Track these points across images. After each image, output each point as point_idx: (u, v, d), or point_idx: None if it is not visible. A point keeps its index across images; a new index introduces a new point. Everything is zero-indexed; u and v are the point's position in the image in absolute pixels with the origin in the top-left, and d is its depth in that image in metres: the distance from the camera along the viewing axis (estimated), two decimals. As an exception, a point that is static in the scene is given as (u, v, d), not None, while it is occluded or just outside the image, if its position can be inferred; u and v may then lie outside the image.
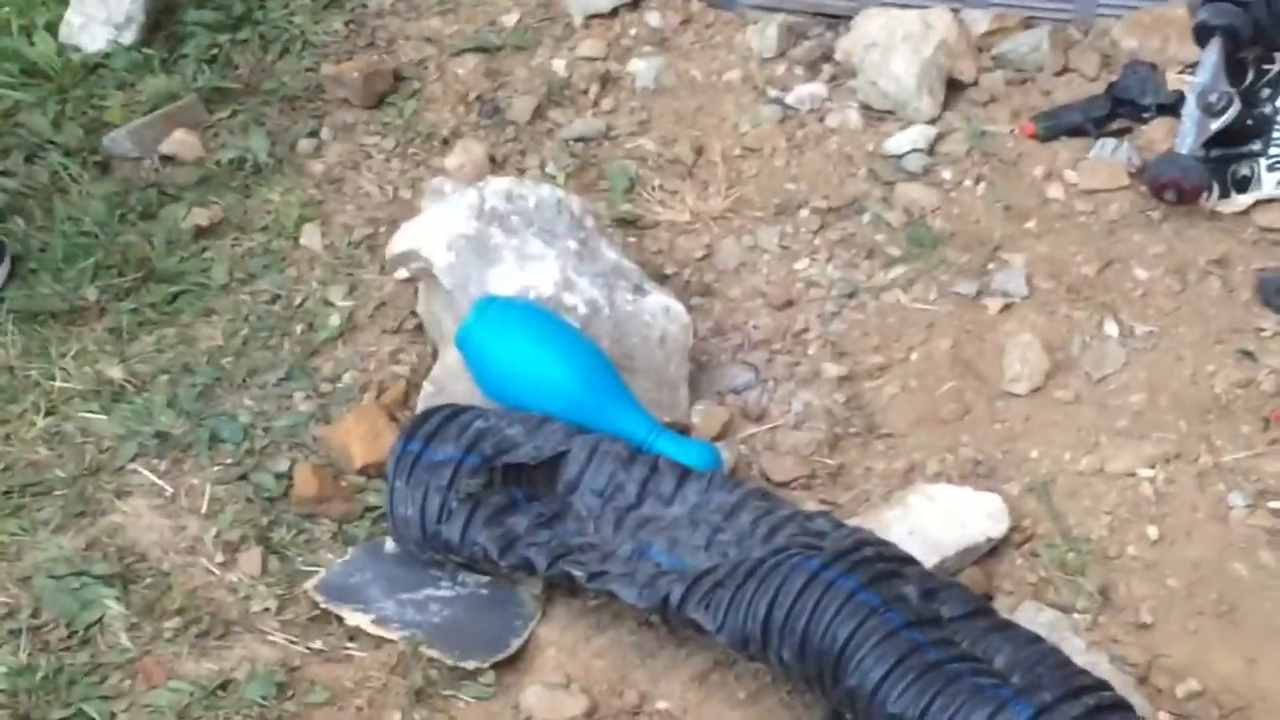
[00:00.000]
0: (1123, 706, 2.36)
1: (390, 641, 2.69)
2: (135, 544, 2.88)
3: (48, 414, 3.08)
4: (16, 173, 3.51)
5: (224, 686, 2.67)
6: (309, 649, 2.72)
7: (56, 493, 2.96)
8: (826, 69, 3.62)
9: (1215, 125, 3.18)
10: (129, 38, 3.76)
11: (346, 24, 3.87)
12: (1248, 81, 3.24)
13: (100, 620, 2.75)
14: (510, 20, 3.84)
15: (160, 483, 2.96)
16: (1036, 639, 2.45)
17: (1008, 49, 3.55)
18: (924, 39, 3.49)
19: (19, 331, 3.21)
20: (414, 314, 3.20)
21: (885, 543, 2.58)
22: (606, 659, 2.67)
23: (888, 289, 3.18)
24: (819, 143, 3.50)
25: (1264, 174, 3.18)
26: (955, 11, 3.57)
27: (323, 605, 2.75)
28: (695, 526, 2.70)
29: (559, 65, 3.71)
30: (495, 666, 2.65)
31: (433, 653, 2.66)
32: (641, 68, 3.67)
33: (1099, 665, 2.51)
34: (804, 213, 3.34)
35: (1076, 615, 2.65)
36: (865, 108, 3.52)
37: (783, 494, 2.83)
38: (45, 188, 3.50)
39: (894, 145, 3.43)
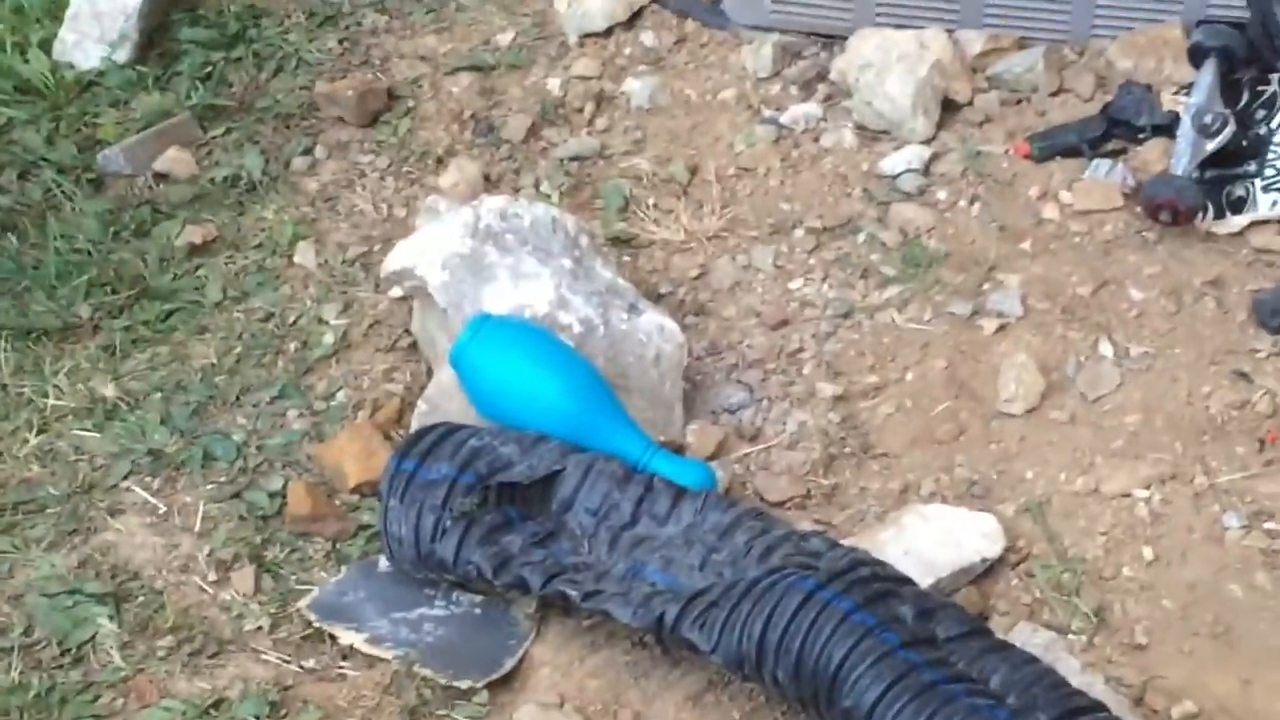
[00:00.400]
0: (1118, 727, 2.37)
1: (384, 660, 2.70)
2: (128, 562, 2.88)
3: (40, 431, 3.08)
4: (10, 190, 3.51)
5: (217, 705, 2.67)
6: (302, 668, 2.72)
7: (49, 510, 2.96)
8: (821, 89, 3.62)
9: (1210, 146, 3.18)
10: (123, 55, 3.75)
11: (341, 42, 3.87)
12: (1243, 103, 3.25)
13: (93, 638, 2.76)
14: (505, 39, 3.84)
15: (153, 501, 2.96)
16: (1032, 659, 2.46)
17: (1002, 69, 3.55)
18: (919, 59, 3.49)
19: (12, 349, 3.20)
20: (408, 332, 3.20)
21: (881, 563, 2.58)
22: (601, 679, 2.67)
23: (882, 309, 3.18)
24: (814, 162, 3.50)
25: (1259, 195, 3.18)
26: (950, 32, 3.57)
27: (316, 624, 2.75)
28: (690, 546, 2.69)
29: (553, 84, 3.71)
30: (489, 686, 2.65)
31: (426, 672, 2.66)
32: (636, 87, 3.67)
33: (1094, 686, 2.52)
34: (799, 232, 3.34)
35: (1072, 636, 2.65)
36: (860, 128, 3.52)
37: (777, 514, 2.83)
38: (38, 205, 3.50)
39: (889, 165, 3.43)
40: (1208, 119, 3.18)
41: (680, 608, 2.56)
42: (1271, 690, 2.57)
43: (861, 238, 3.31)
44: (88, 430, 3.07)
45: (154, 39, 3.81)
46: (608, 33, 3.81)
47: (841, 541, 2.68)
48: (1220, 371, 3.00)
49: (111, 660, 2.73)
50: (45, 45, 3.80)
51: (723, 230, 3.38)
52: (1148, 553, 2.76)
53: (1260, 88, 3.27)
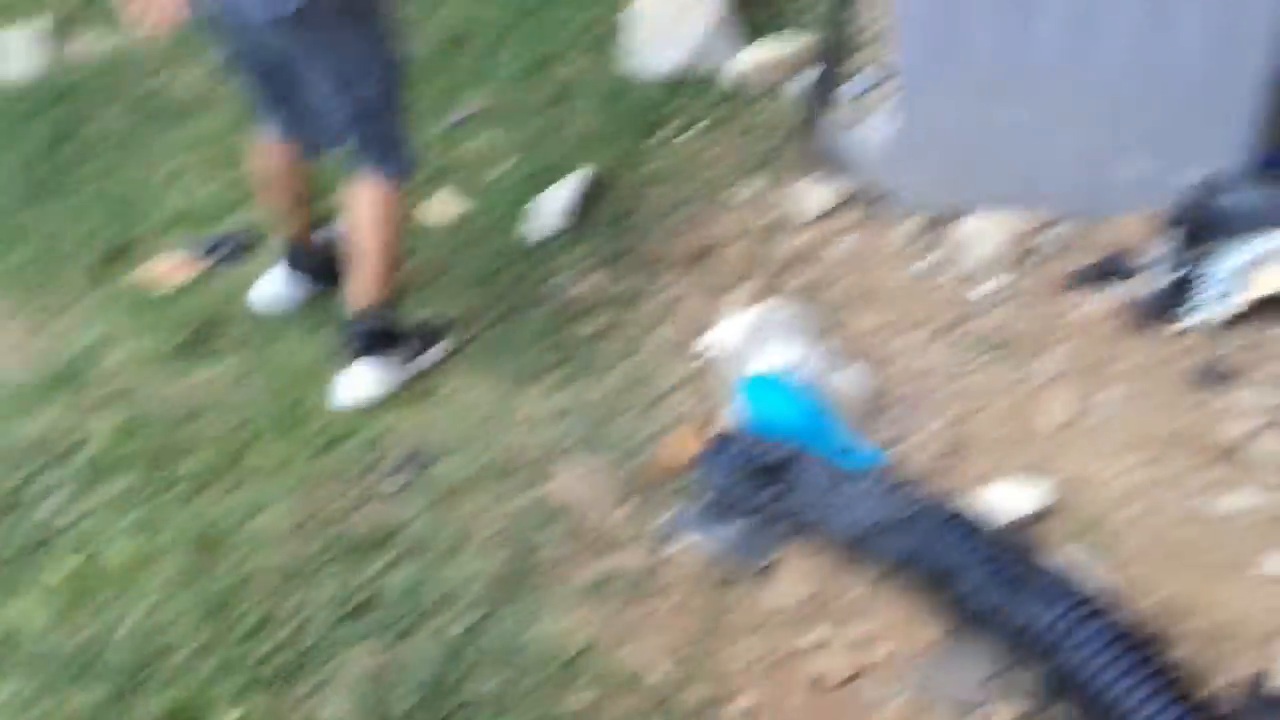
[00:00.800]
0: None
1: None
2: (563, 502, 2.99)
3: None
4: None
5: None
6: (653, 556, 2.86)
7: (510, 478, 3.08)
8: (942, 248, 3.61)
9: (1169, 279, 3.28)
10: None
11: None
12: (1191, 255, 3.30)
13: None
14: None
15: (588, 470, 3.08)
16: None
17: (1046, 238, 3.55)
18: (997, 232, 3.51)
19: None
20: (715, 382, 3.24)
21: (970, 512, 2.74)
22: (823, 576, 2.77)
23: (974, 373, 3.23)
24: (937, 288, 3.52)
25: (1194, 309, 3.26)
26: (1014, 213, 3.57)
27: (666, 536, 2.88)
28: (870, 497, 2.80)
29: (793, 243, 3.70)
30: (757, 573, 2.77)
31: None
32: (840, 247, 3.65)
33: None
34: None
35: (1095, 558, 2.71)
36: (965, 271, 3.53)
37: (917, 482, 2.88)
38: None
39: (980, 290, 3.47)
40: (1169, 263, 3.30)
41: (866, 529, 2.74)
42: (1227, 585, 2.65)
43: (961, 328, 3.37)
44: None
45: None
46: (819, 219, 3.77)
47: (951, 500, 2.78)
48: (1178, 406, 3.06)
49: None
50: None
51: (883, 325, 3.42)
52: (1138, 508, 2.84)
53: (1198, 247, 3.30)
